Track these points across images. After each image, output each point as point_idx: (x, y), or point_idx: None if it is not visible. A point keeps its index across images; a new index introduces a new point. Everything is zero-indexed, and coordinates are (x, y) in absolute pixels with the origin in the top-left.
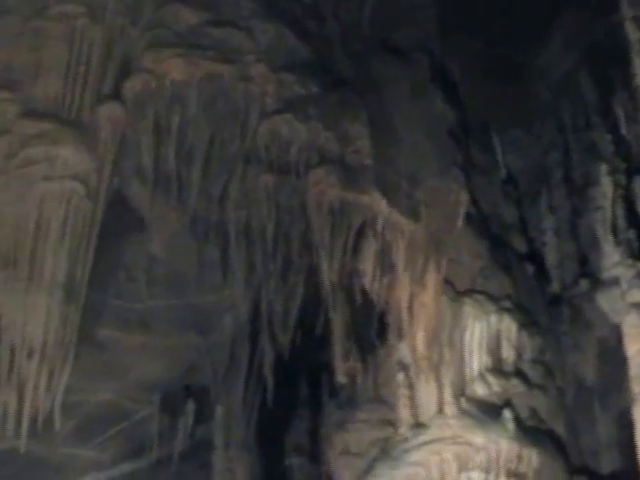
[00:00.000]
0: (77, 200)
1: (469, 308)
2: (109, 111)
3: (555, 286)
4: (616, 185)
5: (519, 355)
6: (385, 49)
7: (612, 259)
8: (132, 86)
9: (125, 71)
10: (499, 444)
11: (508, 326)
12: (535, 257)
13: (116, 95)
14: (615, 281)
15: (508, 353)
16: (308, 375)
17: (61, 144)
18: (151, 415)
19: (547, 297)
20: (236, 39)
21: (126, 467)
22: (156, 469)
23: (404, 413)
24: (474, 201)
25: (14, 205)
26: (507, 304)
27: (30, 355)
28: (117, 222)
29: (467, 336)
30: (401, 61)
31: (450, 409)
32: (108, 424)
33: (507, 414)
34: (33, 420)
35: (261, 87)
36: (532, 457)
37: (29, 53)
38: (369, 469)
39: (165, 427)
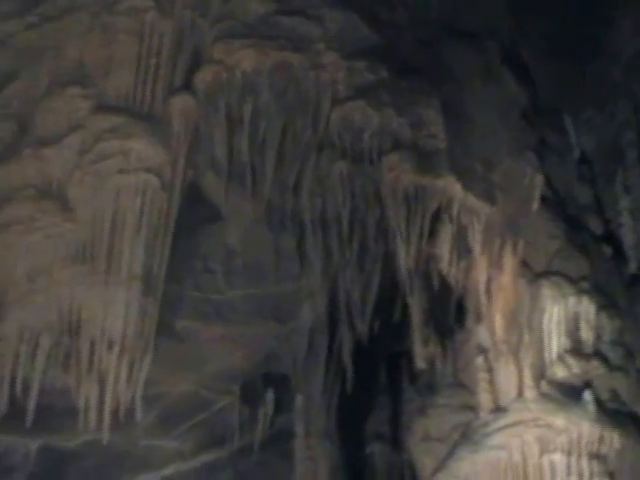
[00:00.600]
0: (152, 193)
1: (547, 290)
2: (181, 103)
3: (633, 267)
4: None
5: (598, 337)
6: (455, 33)
7: None
8: (203, 78)
9: (195, 63)
10: (580, 426)
11: (587, 308)
12: (612, 238)
13: (187, 87)
14: None
15: (587, 335)
16: (387, 362)
17: (134, 138)
18: (231, 405)
19: (625, 278)
20: (305, 27)
21: (207, 457)
22: (237, 459)
23: (484, 397)
24: (549, 183)
25: (90, 200)
26: (585, 286)
27: (110, 348)
28: (193, 214)
29: (545, 318)
30: (471, 45)
31: (530, 392)
32: (189, 415)
33: (588, 396)
34: (114, 412)
35: (332, 75)
36: (614, 439)
37: (100, 49)
38: (450, 454)
39: (245, 417)
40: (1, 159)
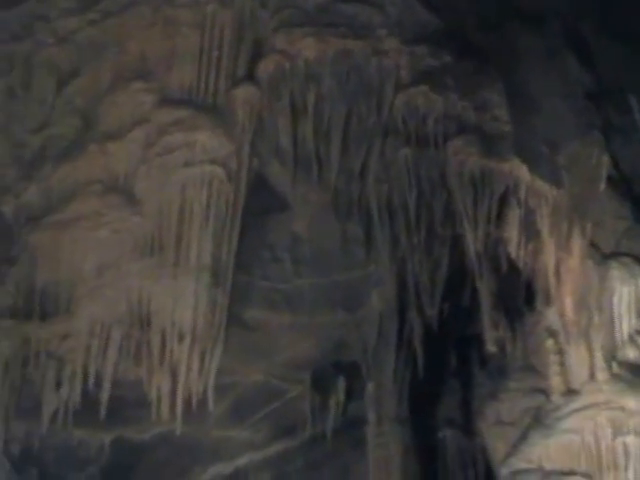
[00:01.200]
0: (218, 184)
1: (616, 271)
2: (244, 94)
3: None
4: None
5: None
6: (517, 15)
7: None
8: (265, 68)
9: (257, 53)
10: None
11: None
12: None
13: (250, 78)
14: None
15: None
16: (457, 346)
17: (199, 130)
18: (302, 394)
19: None
20: (366, 14)
21: (280, 446)
22: (310, 447)
23: (555, 380)
24: (615, 163)
25: (156, 193)
26: None
27: (181, 339)
28: (259, 203)
29: (615, 299)
30: (534, 27)
31: (602, 374)
32: (260, 405)
33: None
34: (187, 404)
35: (394, 60)
36: None
37: (161, 42)
38: (522, 438)
39: (316, 405)
40: (66, 155)
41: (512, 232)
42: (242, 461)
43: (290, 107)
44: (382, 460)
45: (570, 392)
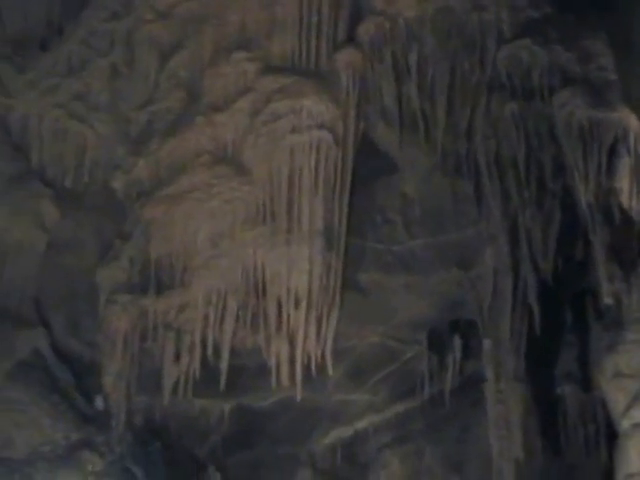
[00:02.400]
0: (326, 148)
1: None
2: (346, 57)
3: None
4: None
5: None
6: None
7: None
8: (366, 30)
9: (357, 16)
10: None
11: None
12: None
13: (351, 41)
14: None
15: None
16: (572, 300)
17: (304, 96)
18: (419, 354)
19: None
20: None
21: (399, 408)
22: (429, 408)
23: None
24: None
25: (265, 161)
26: None
27: (297, 305)
28: (368, 167)
29: None
30: None
31: None
32: (378, 367)
33: None
34: (306, 369)
35: (495, 15)
36: None
37: (261, 11)
38: None
39: (434, 365)
40: (173, 129)
41: (623, 182)
42: (362, 424)
43: (393, 68)
44: (502, 418)
45: None
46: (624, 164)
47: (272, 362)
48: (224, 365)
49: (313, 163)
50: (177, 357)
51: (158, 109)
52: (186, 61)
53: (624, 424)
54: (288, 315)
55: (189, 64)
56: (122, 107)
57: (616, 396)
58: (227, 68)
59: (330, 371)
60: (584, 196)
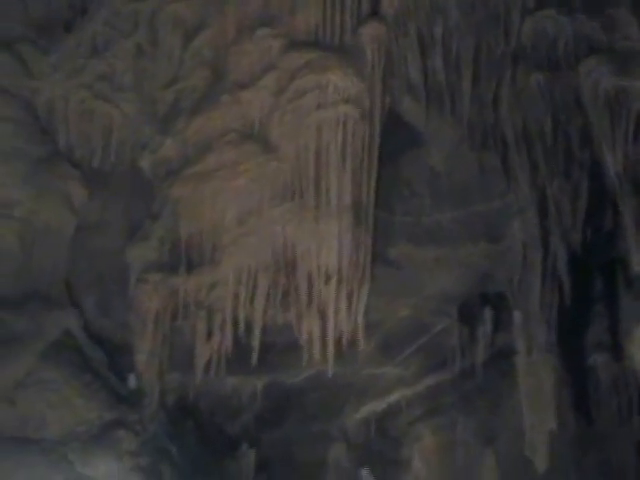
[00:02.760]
0: (353, 123)
1: None
2: (371, 31)
3: None
4: None
5: None
6: None
7: None
8: (390, 3)
9: None
10: None
11: None
12: None
13: (375, 15)
14: None
15: None
16: (602, 270)
17: (329, 71)
18: (450, 327)
19: None
20: None
21: (430, 380)
22: (460, 380)
23: None
24: None
25: (291, 138)
26: None
27: (327, 281)
28: (395, 141)
29: None
30: None
31: None
32: (409, 340)
33: None
34: (337, 344)
35: None
36: None
37: None
38: None
39: (465, 338)
40: (199, 107)
41: None
42: (394, 398)
43: (418, 42)
44: (533, 389)
45: None
46: None
47: (303, 338)
48: (256, 343)
49: (340, 139)
50: (209, 335)
51: (183, 88)
52: (210, 40)
53: None
54: (319, 291)
55: (213, 43)
56: (147, 87)
57: None
58: (251, 46)
59: (362, 345)
60: (612, 166)
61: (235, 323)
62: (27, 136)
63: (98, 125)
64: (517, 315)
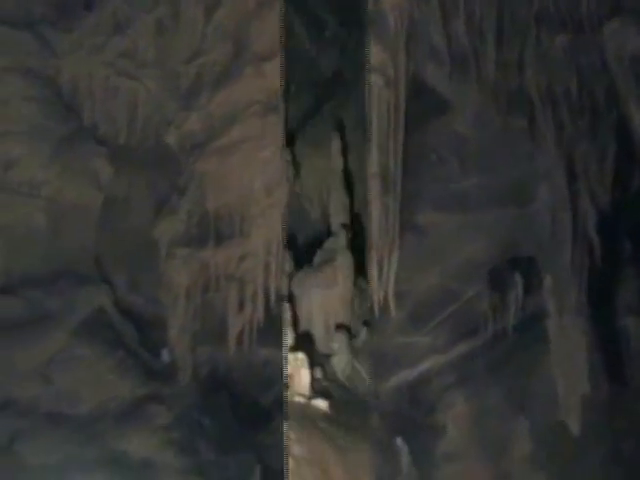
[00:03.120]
0: (378, 91)
1: None
2: None
3: None
4: None
5: None
6: None
7: None
8: None
9: None
10: None
11: None
12: None
13: None
14: None
15: None
16: (631, 232)
17: None
18: (480, 293)
19: None
20: None
21: (463, 348)
22: (492, 346)
23: None
24: None
25: None
26: None
27: None
28: (420, 107)
29: None
30: None
31: None
32: (439, 308)
33: None
34: (369, 312)
35: None
36: None
37: None
38: None
39: (496, 303)
40: (223, 80)
41: None
42: (425, 366)
43: (440, 7)
44: (565, 352)
45: None
46: None
47: None
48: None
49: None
50: (240, 307)
51: (206, 61)
52: (231, 12)
53: None
54: None
55: (234, 15)
56: (170, 62)
57: None
58: (272, 15)
59: (393, 313)
60: (639, 125)
61: (267, 294)
62: (52, 114)
63: (123, 101)
64: (547, 279)
